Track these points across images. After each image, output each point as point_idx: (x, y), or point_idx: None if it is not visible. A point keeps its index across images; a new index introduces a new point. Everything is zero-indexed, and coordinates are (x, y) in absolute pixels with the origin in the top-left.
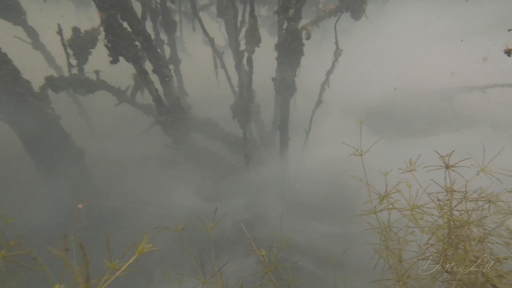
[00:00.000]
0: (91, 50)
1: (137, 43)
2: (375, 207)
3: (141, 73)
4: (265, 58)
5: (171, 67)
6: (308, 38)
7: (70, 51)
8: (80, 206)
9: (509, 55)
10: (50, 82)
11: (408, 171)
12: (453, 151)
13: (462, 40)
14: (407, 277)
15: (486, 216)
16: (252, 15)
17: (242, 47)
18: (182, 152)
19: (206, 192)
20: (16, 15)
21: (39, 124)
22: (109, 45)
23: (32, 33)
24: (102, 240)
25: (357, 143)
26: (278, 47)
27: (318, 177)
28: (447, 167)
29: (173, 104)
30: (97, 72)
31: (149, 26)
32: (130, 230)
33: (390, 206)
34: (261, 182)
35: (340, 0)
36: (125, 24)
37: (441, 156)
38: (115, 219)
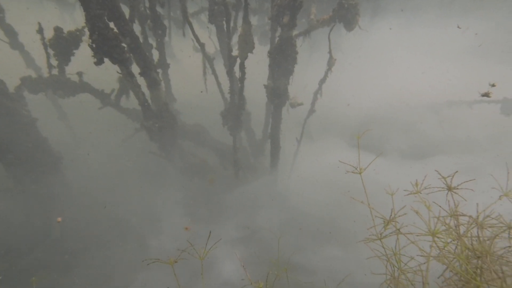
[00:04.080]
0: (74, 51)
1: (124, 44)
2: (380, 233)
3: (128, 76)
4: (255, 66)
5: (159, 71)
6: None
7: (51, 52)
8: (59, 219)
9: (488, 96)
10: (27, 82)
11: (414, 193)
12: (456, 171)
13: None
14: None
15: (510, 246)
16: (246, 20)
17: (235, 53)
18: (169, 159)
19: (195, 210)
20: None
21: (12, 127)
22: (94, 45)
23: (10, 32)
24: (77, 254)
25: (347, 158)
26: (271, 54)
27: (312, 191)
28: (449, 189)
29: (161, 109)
30: (80, 73)
31: (137, 30)
32: (109, 245)
33: (399, 231)
34: (252, 195)
35: (333, 10)
36: (111, 25)
37: (443, 177)
38: (93, 232)
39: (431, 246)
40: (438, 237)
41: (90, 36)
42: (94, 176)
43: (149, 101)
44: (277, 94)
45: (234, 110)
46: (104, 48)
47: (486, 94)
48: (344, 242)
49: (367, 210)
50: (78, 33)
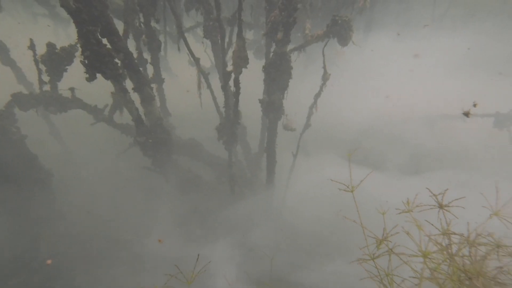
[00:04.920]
0: (67, 67)
1: (117, 60)
2: (373, 254)
3: (121, 92)
4: (251, 80)
5: (154, 86)
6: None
7: (42, 68)
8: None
9: (467, 116)
10: (17, 99)
11: (406, 212)
12: (447, 189)
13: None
14: None
15: (502, 267)
16: (240, 35)
17: (229, 68)
18: (163, 174)
19: (189, 227)
20: None
21: (0, 145)
22: (86, 61)
23: (1, 48)
24: (65, 276)
25: (343, 173)
26: (266, 69)
27: (308, 206)
28: (440, 206)
29: (155, 124)
30: (72, 89)
31: (132, 45)
32: (100, 265)
33: (391, 250)
34: (248, 212)
35: (327, 26)
36: (104, 41)
37: (434, 195)
38: (83, 252)
39: (422, 269)
40: (429, 258)
41: (83, 53)
42: (86, 193)
43: (143, 116)
44: (272, 109)
45: (229, 124)
46: (97, 64)
47: (466, 114)
48: (340, 258)
49: (363, 225)
50: (71, 49)
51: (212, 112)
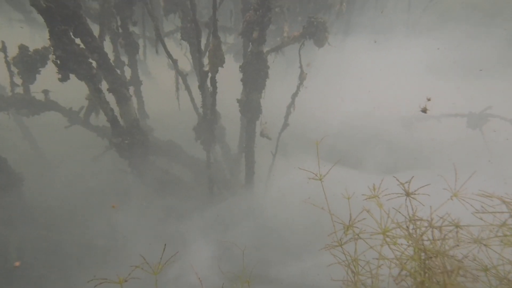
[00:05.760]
0: (40, 69)
1: (91, 60)
2: (340, 239)
3: (95, 92)
4: (231, 83)
5: (132, 88)
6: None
7: (15, 70)
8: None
9: (424, 112)
10: None
11: (372, 197)
12: (413, 177)
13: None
14: None
15: (457, 245)
16: (215, 35)
17: (206, 67)
18: (140, 177)
19: (166, 230)
20: None
21: None
22: (58, 61)
23: None
24: (32, 284)
25: (322, 173)
26: (243, 68)
27: (288, 207)
28: (407, 194)
29: (131, 125)
30: (45, 92)
31: (109, 48)
32: (70, 273)
33: (357, 236)
34: (226, 212)
35: (303, 27)
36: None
37: (401, 183)
38: (53, 258)
39: (381, 245)
40: (389, 237)
41: (54, 52)
42: (60, 198)
43: (119, 117)
44: (249, 108)
45: (207, 124)
46: (69, 64)
47: (424, 110)
48: (320, 251)
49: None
50: (44, 51)
51: (191, 114)
